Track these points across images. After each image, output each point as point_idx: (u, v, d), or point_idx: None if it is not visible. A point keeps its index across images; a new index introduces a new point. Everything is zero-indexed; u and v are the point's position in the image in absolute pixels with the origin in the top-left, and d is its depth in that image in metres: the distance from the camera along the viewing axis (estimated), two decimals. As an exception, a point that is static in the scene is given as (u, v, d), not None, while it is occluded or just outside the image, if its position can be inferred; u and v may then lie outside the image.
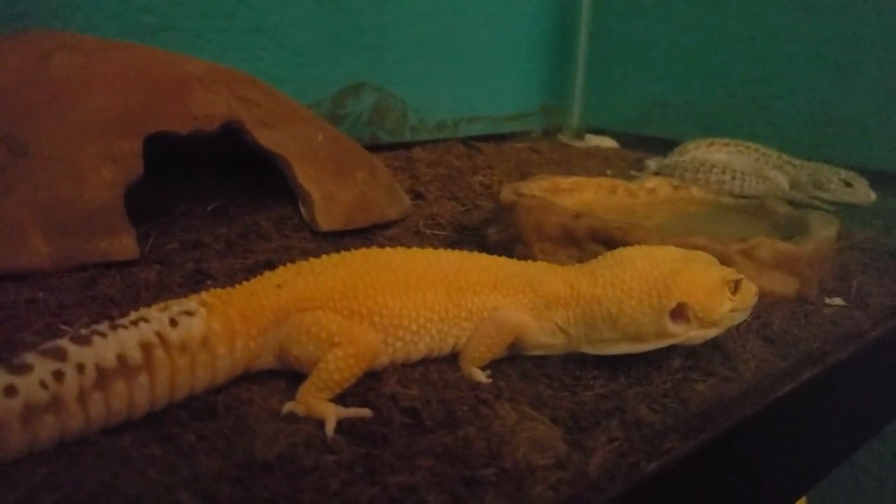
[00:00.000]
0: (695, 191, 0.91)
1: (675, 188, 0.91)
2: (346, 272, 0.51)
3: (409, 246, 0.77)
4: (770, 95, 1.36)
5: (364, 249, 0.56)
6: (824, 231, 0.70)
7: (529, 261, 0.60)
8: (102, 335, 0.42)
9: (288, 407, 0.47)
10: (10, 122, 0.64)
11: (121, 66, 0.71)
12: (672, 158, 1.23)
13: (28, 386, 0.38)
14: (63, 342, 0.41)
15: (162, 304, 0.47)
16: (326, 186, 0.77)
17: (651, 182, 0.91)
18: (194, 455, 0.42)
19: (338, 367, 0.47)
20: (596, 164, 1.31)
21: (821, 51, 1.29)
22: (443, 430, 0.46)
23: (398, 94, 1.34)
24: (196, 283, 0.63)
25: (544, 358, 0.56)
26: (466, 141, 1.35)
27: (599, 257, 0.58)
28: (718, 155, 1.23)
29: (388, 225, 0.83)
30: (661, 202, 0.89)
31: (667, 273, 0.53)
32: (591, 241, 0.68)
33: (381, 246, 0.76)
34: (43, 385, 0.39)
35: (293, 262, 0.55)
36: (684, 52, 1.46)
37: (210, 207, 0.81)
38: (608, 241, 0.67)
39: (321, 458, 0.42)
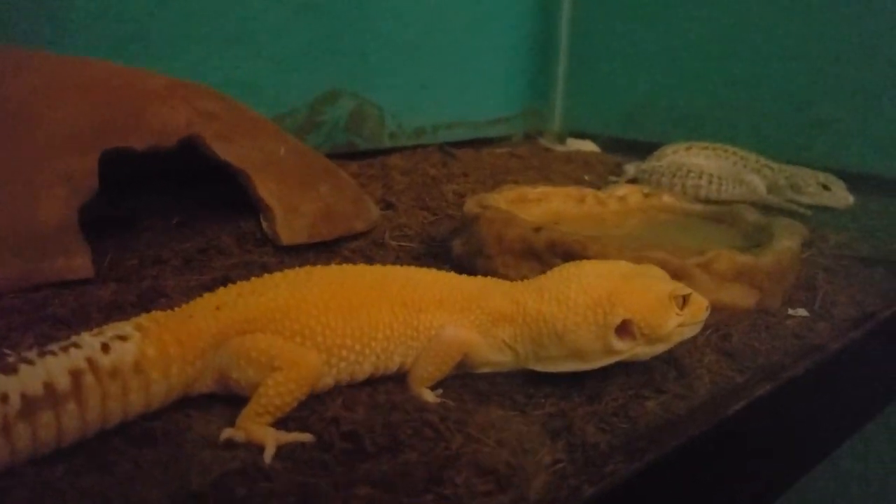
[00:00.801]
0: (666, 198, 0.90)
1: (646, 196, 0.90)
2: (286, 292, 0.50)
3: (372, 259, 0.78)
4: (751, 98, 1.36)
5: (308, 267, 0.55)
6: (787, 241, 0.69)
7: (479, 276, 0.59)
8: (30, 363, 0.41)
9: (227, 433, 0.46)
10: (-38, 142, 0.64)
11: (78, 83, 0.70)
12: (650, 163, 1.22)
13: None
14: None
15: (97, 330, 0.46)
16: (289, 199, 0.76)
17: (621, 190, 0.90)
18: (129, 484, 0.42)
19: (278, 391, 0.47)
20: (575, 169, 1.30)
21: (801, 53, 1.28)
22: (385, 456, 0.45)
23: (376, 100, 1.33)
24: (150, 301, 0.63)
25: (498, 375, 0.56)
26: (443, 147, 1.34)
27: (549, 272, 0.57)
28: (696, 159, 1.23)
29: (354, 237, 0.83)
30: (631, 210, 0.89)
31: (611, 289, 0.53)
32: (551, 254, 0.67)
33: (346, 258, 0.77)
34: None
35: (252, 277, 0.54)
36: (665, 56, 1.46)
37: (174, 221, 0.80)
38: (568, 253, 0.66)
39: (256, 487, 0.41)
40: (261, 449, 0.45)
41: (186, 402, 0.49)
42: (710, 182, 1.13)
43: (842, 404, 0.68)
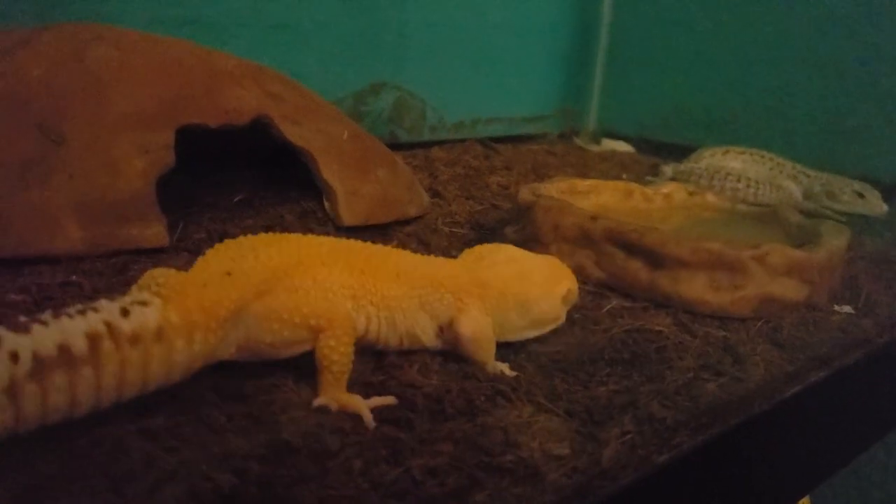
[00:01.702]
0: (710, 197, 0.92)
1: (691, 194, 0.93)
2: (291, 250, 0.52)
3: (427, 243, 0.80)
4: (785, 105, 1.37)
5: (262, 235, 0.55)
6: (835, 240, 0.71)
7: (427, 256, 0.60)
8: (44, 323, 0.39)
9: (319, 401, 0.47)
10: (47, 112, 0.66)
11: (155, 59, 0.73)
12: (688, 165, 1.24)
13: None
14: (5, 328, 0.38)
15: (114, 296, 0.44)
16: (350, 182, 0.79)
17: (667, 187, 0.92)
18: (224, 435, 0.44)
19: (339, 352, 0.48)
20: (612, 167, 1.33)
21: (836, 62, 1.30)
22: (463, 418, 0.48)
23: (418, 93, 1.36)
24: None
25: (559, 353, 0.58)
26: (484, 141, 1.37)
27: (473, 253, 0.61)
28: (733, 163, 1.25)
29: (407, 222, 0.85)
30: (676, 207, 0.91)
31: (554, 264, 0.61)
32: (607, 242, 0.70)
33: (402, 241, 0.79)
34: None
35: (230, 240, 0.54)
36: (702, 60, 1.47)
37: (236, 199, 0.83)
38: (624, 243, 0.69)
39: (347, 439, 0.44)
40: (352, 415, 0.47)
41: (267, 362, 0.51)
42: (748, 186, 1.15)
43: (885, 397, 0.70)
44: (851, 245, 0.86)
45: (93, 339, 0.40)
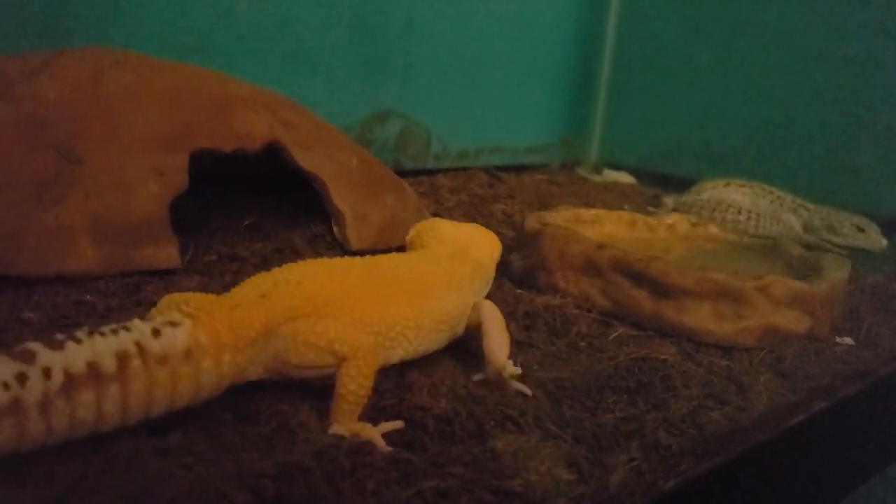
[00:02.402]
0: (713, 228, 0.94)
1: (694, 225, 0.94)
2: (326, 279, 0.53)
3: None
4: (786, 139, 1.39)
5: (335, 258, 0.58)
6: (837, 273, 0.73)
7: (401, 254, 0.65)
8: (78, 341, 0.41)
9: (332, 430, 0.48)
10: (65, 133, 0.67)
11: (171, 84, 0.74)
12: (689, 196, 1.25)
13: None
14: (34, 345, 0.40)
15: (149, 317, 0.47)
16: (359, 207, 0.80)
17: (670, 218, 0.94)
18: (238, 453, 0.45)
19: (357, 383, 0.48)
20: (613, 198, 1.34)
21: (836, 98, 1.32)
22: (472, 441, 0.48)
23: (423, 122, 1.37)
24: (234, 293, 0.66)
25: (567, 380, 0.59)
26: (489, 170, 1.38)
27: (420, 232, 0.68)
28: (734, 195, 1.26)
29: (414, 247, 0.86)
30: (679, 238, 0.92)
31: (481, 228, 0.71)
32: (613, 271, 0.71)
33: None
34: (5, 386, 0.37)
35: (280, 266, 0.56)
36: (703, 93, 1.50)
37: (246, 223, 0.84)
38: (630, 272, 0.70)
39: (359, 460, 0.44)
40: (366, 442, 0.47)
41: (282, 386, 0.52)
42: (749, 218, 1.16)
43: (887, 428, 0.71)
44: (852, 278, 0.87)
45: (122, 358, 0.41)
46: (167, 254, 0.68)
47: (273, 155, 0.78)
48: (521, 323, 0.69)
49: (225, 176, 0.84)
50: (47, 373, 0.38)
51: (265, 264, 0.74)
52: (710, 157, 1.49)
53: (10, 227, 0.63)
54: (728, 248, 0.90)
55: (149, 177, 0.69)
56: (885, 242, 1.14)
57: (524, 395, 0.56)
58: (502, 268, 0.81)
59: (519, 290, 0.75)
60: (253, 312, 0.48)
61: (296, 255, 0.77)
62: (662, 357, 0.63)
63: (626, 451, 0.50)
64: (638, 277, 0.69)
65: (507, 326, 0.60)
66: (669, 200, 1.29)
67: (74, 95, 0.70)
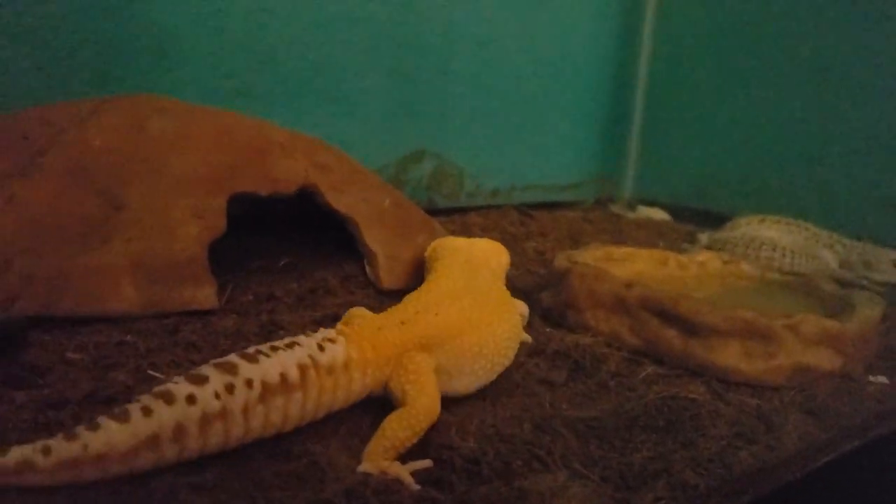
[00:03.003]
0: (745, 266, 0.94)
1: (726, 263, 0.94)
2: (457, 312, 0.59)
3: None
4: (821, 174, 1.38)
5: (462, 284, 0.65)
6: (869, 311, 0.72)
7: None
8: (266, 355, 0.48)
9: (362, 468, 0.49)
10: (110, 179, 0.70)
11: (210, 130, 0.77)
12: (723, 233, 1.25)
13: (205, 396, 0.44)
14: (234, 358, 0.47)
15: (305, 334, 0.53)
16: (391, 247, 0.82)
17: (701, 256, 0.94)
18: (269, 490, 0.46)
19: (405, 433, 0.50)
20: (648, 235, 1.34)
21: (872, 133, 1.31)
22: (499, 481, 0.49)
23: (456, 161, 1.39)
24: (269, 332, 0.68)
25: (595, 419, 0.59)
26: (520, 208, 1.40)
27: (436, 248, 0.76)
28: (769, 232, 1.26)
29: (446, 286, 0.87)
30: (711, 276, 0.92)
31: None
32: (642, 309, 0.71)
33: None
34: (216, 396, 0.44)
35: (422, 292, 0.64)
36: (737, 129, 1.50)
37: (282, 263, 0.86)
38: (659, 310, 0.70)
39: (388, 498, 0.45)
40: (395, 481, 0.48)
41: (313, 425, 0.53)
42: (784, 256, 1.16)
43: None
44: (888, 315, 0.87)
45: (302, 369, 0.48)
46: (205, 295, 0.70)
47: (309, 196, 0.81)
48: (552, 361, 0.69)
49: (263, 216, 0.86)
50: (249, 383, 0.45)
51: (299, 303, 0.76)
52: (745, 193, 1.48)
53: (57, 269, 0.66)
54: (760, 286, 0.90)
55: (189, 220, 0.71)
56: (923, 279, 1.12)
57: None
58: (532, 305, 0.82)
59: (549, 329, 0.76)
60: (390, 336, 0.55)
61: (329, 294, 0.79)
62: (691, 396, 0.64)
63: (653, 490, 0.50)
64: (667, 316, 0.70)
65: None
66: (704, 237, 1.29)
67: (119, 142, 0.72)
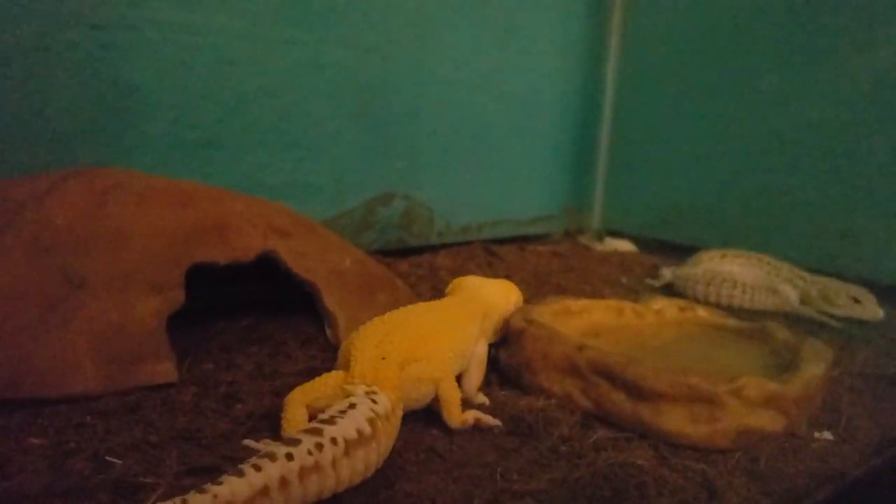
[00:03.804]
0: (700, 312, 0.96)
1: (682, 309, 0.96)
2: (415, 335, 0.70)
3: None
4: (784, 207, 1.41)
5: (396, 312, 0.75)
6: (814, 368, 0.74)
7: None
8: (342, 416, 0.56)
9: (454, 425, 0.68)
10: (70, 256, 0.72)
11: (169, 203, 0.78)
12: (686, 269, 1.28)
13: (300, 453, 0.51)
14: (318, 424, 0.55)
15: (347, 391, 0.62)
16: (350, 309, 0.83)
17: (658, 304, 0.96)
18: None
19: (456, 392, 0.69)
20: (613, 270, 1.36)
21: (832, 165, 1.34)
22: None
23: (426, 201, 1.41)
24: (228, 406, 0.69)
25: (544, 491, 0.61)
26: (487, 246, 1.42)
27: (455, 285, 0.89)
28: (731, 267, 1.28)
29: (407, 342, 0.89)
30: (667, 323, 0.94)
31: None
32: (592, 372, 0.73)
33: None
34: (309, 453, 0.51)
35: (371, 326, 0.72)
36: (701, 162, 1.53)
37: (243, 324, 0.87)
38: (608, 374, 0.72)
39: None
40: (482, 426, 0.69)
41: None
42: (744, 292, 1.18)
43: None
44: (837, 360, 0.89)
45: (372, 422, 0.57)
46: (165, 369, 0.72)
47: (269, 261, 0.82)
48: (506, 426, 0.71)
49: (225, 279, 0.88)
50: (334, 441, 0.53)
51: (259, 371, 0.78)
52: (709, 225, 1.51)
53: (18, 351, 0.67)
54: (715, 333, 0.92)
55: (148, 294, 0.73)
56: (881, 314, 1.15)
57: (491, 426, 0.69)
58: (490, 363, 0.84)
59: (504, 391, 0.78)
60: (392, 372, 0.65)
61: (289, 360, 0.80)
62: (639, 462, 0.65)
63: (594, 570, 0.52)
64: (616, 379, 0.71)
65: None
66: (667, 272, 1.31)
67: (79, 219, 0.74)
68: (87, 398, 0.68)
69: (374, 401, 0.59)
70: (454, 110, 1.44)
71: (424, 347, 0.70)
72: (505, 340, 0.84)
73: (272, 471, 0.49)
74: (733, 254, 1.30)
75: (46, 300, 0.70)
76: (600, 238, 1.64)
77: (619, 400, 0.71)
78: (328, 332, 0.85)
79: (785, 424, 0.71)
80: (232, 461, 0.59)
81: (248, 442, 0.61)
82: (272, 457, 0.50)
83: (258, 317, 0.89)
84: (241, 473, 0.48)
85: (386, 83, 1.34)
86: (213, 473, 0.57)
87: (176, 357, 0.75)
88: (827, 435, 0.73)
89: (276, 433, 0.64)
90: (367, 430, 0.56)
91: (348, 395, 0.61)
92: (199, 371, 0.77)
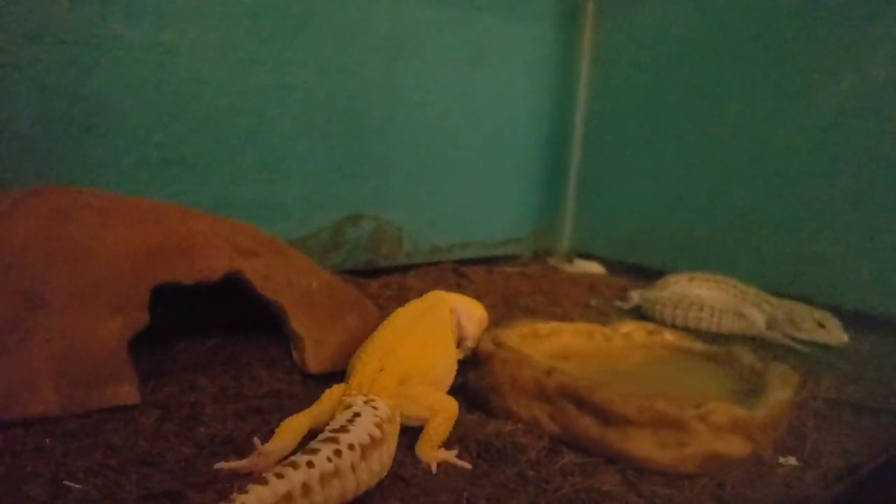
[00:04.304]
0: (668, 336, 0.96)
1: (650, 333, 0.96)
2: (416, 351, 0.74)
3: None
4: (750, 231, 1.42)
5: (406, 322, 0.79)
6: (779, 393, 0.75)
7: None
8: (352, 423, 0.59)
9: (425, 462, 0.67)
10: (30, 278, 0.70)
11: (133, 223, 0.77)
12: (653, 292, 1.28)
13: (320, 461, 0.53)
14: (333, 433, 0.57)
15: (346, 402, 0.65)
16: (317, 331, 0.83)
17: (626, 327, 0.96)
18: None
19: (443, 427, 0.69)
20: (582, 292, 1.37)
21: (798, 190, 1.36)
22: None
23: (395, 221, 1.41)
24: (190, 429, 0.68)
25: None
26: (457, 268, 1.41)
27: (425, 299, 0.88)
28: (699, 290, 1.29)
29: (375, 364, 0.88)
30: (636, 347, 0.95)
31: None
32: (560, 397, 0.73)
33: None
34: (329, 460, 0.54)
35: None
36: (669, 185, 1.54)
37: (209, 345, 0.86)
38: (576, 398, 0.72)
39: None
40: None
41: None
42: (712, 315, 1.19)
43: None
44: (802, 384, 0.90)
45: (380, 426, 0.60)
46: (126, 391, 0.70)
47: (234, 282, 0.81)
48: (474, 452, 0.70)
49: (191, 298, 0.87)
50: (351, 447, 0.56)
51: (222, 393, 0.76)
52: (677, 248, 1.52)
53: (-27, 373, 0.65)
54: (682, 356, 0.93)
55: (110, 315, 0.71)
56: (845, 338, 1.16)
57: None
58: (461, 387, 0.84)
59: (472, 416, 0.77)
60: (390, 382, 0.69)
61: (254, 382, 0.79)
62: (606, 488, 0.65)
63: None
64: (584, 404, 0.71)
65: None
66: (636, 295, 1.32)
67: (41, 240, 0.72)
68: (46, 420, 0.67)
69: (374, 407, 0.63)
70: (424, 132, 1.44)
71: (425, 361, 0.74)
72: (474, 363, 0.83)
73: (294, 478, 0.51)
74: (701, 277, 1.31)
75: (5, 321, 0.68)
76: (570, 260, 1.65)
77: (586, 425, 0.71)
78: (294, 354, 0.84)
79: (751, 450, 0.71)
80: (194, 487, 0.58)
81: (68, 483, 0.59)
82: (294, 465, 0.52)
83: (223, 337, 0.88)
84: (264, 481, 0.51)
85: (356, 104, 1.33)
86: (174, 499, 0.56)
87: (139, 378, 0.73)
88: (792, 460, 0.74)
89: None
90: (378, 433, 0.59)
91: (348, 406, 0.64)
92: (162, 393, 0.75)
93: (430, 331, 0.79)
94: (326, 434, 0.57)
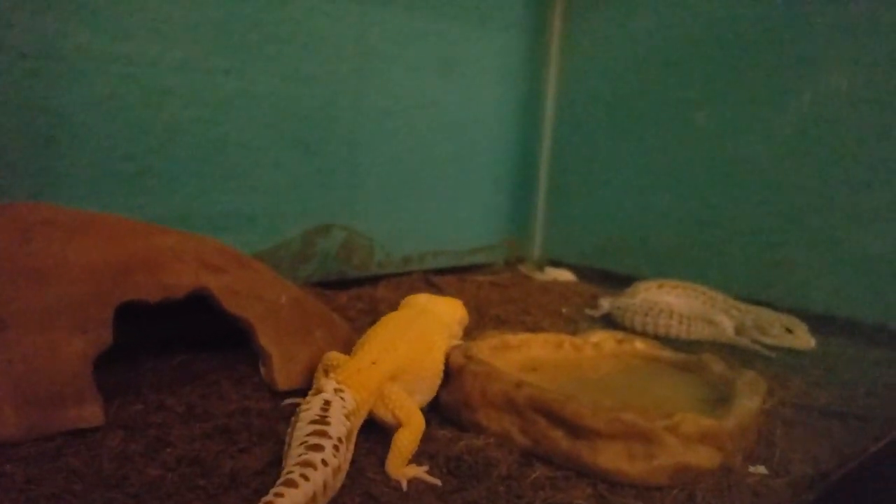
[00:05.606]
0: (638, 344, 0.97)
1: (620, 342, 0.97)
2: (408, 348, 0.76)
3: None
4: (718, 238, 1.44)
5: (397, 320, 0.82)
6: (748, 402, 0.75)
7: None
8: (325, 413, 0.62)
9: (394, 479, 0.65)
10: (-9, 298, 0.69)
11: (98, 239, 0.76)
12: (623, 300, 1.29)
13: (329, 458, 0.56)
14: (321, 427, 0.59)
15: (315, 390, 0.67)
16: (286, 347, 0.82)
17: (596, 337, 0.96)
18: None
19: (409, 442, 0.68)
20: (553, 300, 1.37)
21: (765, 199, 1.37)
22: None
23: (366, 231, 1.40)
24: (156, 451, 0.67)
25: None
26: (428, 278, 1.41)
27: (404, 304, 0.93)
28: (668, 297, 1.30)
29: (345, 379, 0.87)
30: (605, 356, 0.95)
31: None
32: (530, 410, 0.73)
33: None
34: (334, 455, 0.57)
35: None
36: (638, 193, 1.55)
37: (175, 362, 0.85)
38: (546, 411, 0.71)
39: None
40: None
41: None
42: (681, 322, 1.20)
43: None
44: (770, 391, 0.90)
45: (348, 416, 0.63)
46: (90, 412, 0.69)
47: (202, 298, 0.80)
48: (444, 468, 0.70)
49: (157, 315, 0.85)
50: (340, 440, 0.59)
51: (190, 412, 0.75)
52: (646, 255, 1.53)
53: (-69, 397, 0.64)
54: (653, 365, 0.93)
55: (73, 336, 0.70)
56: (813, 343, 1.17)
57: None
58: (432, 403, 0.83)
59: (443, 430, 0.77)
60: (372, 376, 0.70)
61: (221, 400, 0.78)
62: (577, 502, 0.65)
63: None
64: (554, 417, 0.71)
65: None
66: (606, 303, 1.32)
67: (2, 259, 0.71)
68: (7, 445, 0.65)
69: (342, 398, 0.65)
70: (394, 140, 1.43)
71: (420, 361, 0.76)
72: (446, 377, 0.83)
73: (318, 478, 0.54)
74: (670, 284, 1.32)
75: (-36, 343, 0.67)
76: (541, 268, 1.65)
77: (557, 437, 0.71)
78: (262, 370, 0.83)
79: (721, 459, 0.71)
80: (159, 511, 0.57)
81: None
82: (313, 465, 0.54)
83: (191, 354, 0.86)
84: (295, 484, 0.52)
85: (325, 113, 1.33)
86: (138, 525, 0.55)
87: (103, 398, 0.72)
88: (761, 469, 0.74)
89: (208, 479, 0.62)
90: (349, 424, 0.62)
91: (318, 392, 0.65)
92: (128, 413, 0.74)
93: (426, 333, 0.81)
94: (315, 426, 0.59)
